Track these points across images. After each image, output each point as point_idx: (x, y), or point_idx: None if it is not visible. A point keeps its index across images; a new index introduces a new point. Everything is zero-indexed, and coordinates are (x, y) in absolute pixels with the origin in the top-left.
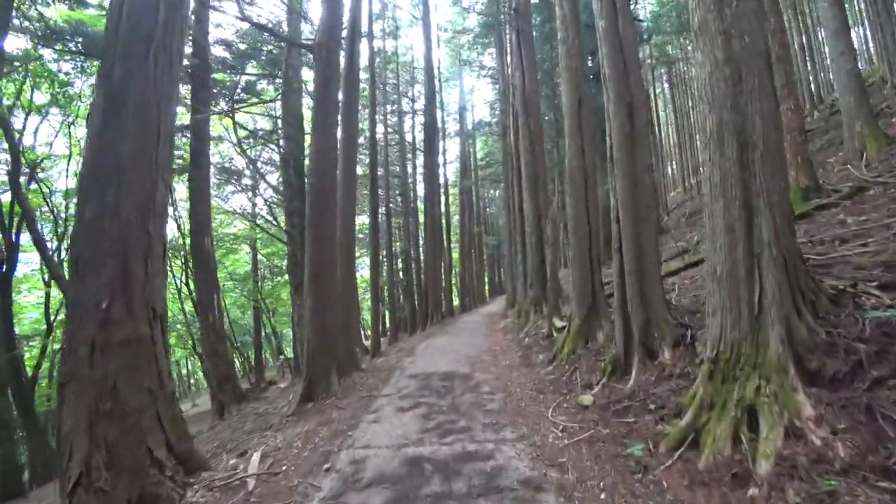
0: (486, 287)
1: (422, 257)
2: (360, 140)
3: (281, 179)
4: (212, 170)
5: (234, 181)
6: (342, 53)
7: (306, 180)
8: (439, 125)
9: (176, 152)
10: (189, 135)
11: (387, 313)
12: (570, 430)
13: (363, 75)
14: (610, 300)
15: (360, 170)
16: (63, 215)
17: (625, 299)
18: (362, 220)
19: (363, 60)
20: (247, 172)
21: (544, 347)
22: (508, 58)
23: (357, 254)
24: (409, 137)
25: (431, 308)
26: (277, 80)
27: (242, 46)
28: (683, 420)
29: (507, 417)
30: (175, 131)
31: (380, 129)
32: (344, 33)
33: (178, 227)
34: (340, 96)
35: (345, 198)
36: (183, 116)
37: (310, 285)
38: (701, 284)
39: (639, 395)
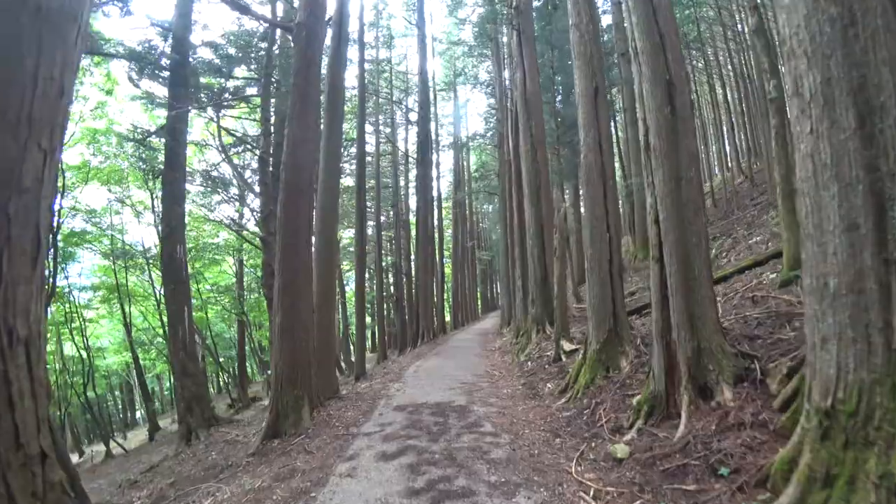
0: (479, 303)
1: (413, 272)
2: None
3: (257, 179)
4: (197, 178)
5: (220, 190)
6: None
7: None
8: (433, 136)
9: (153, 153)
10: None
11: (375, 329)
12: (607, 500)
13: (352, 82)
14: (631, 320)
15: (350, 181)
16: None
17: (667, 321)
18: (350, 233)
19: (353, 70)
20: (235, 182)
21: (552, 374)
22: (506, 69)
23: (346, 268)
24: (401, 147)
25: (423, 326)
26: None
27: (231, 50)
28: (784, 498)
29: (519, 473)
30: (66, 92)
31: (371, 138)
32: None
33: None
34: (324, 87)
35: (325, 194)
36: (160, 118)
37: (279, 299)
38: (740, 303)
39: (696, 449)
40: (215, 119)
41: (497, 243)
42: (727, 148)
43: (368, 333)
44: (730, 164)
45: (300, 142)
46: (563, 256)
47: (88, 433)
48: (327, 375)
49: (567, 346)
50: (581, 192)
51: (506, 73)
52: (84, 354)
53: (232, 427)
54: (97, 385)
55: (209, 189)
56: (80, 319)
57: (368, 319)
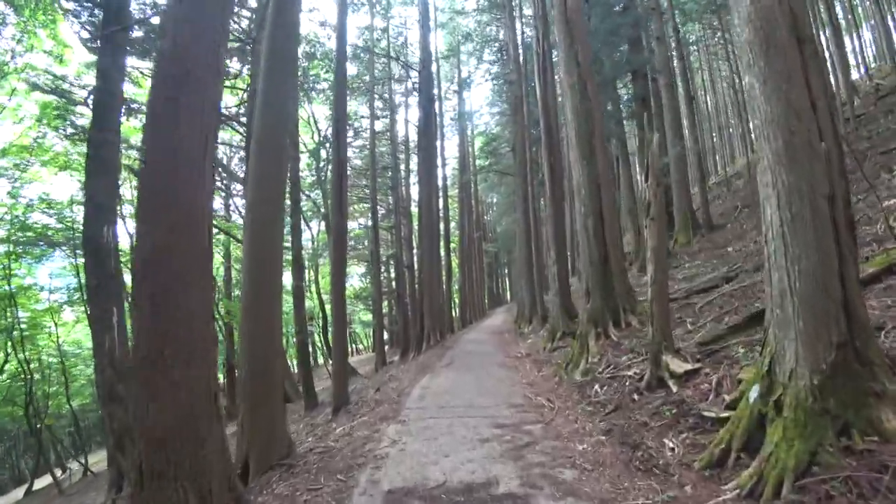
0: (486, 298)
1: (416, 264)
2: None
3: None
4: None
5: None
6: None
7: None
8: (437, 110)
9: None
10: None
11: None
12: None
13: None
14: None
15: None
16: None
17: None
18: (351, 225)
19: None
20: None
21: (661, 417)
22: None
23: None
24: (400, 131)
25: (428, 326)
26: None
27: None
28: None
29: None
30: None
31: (363, 110)
32: None
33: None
34: None
35: (261, 152)
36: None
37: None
38: None
39: None
40: None
41: (503, 235)
42: None
43: (365, 332)
44: None
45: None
46: (662, 216)
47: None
48: (265, 429)
49: (677, 364)
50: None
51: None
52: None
53: None
54: (81, 394)
55: None
56: (55, 323)
57: (369, 318)
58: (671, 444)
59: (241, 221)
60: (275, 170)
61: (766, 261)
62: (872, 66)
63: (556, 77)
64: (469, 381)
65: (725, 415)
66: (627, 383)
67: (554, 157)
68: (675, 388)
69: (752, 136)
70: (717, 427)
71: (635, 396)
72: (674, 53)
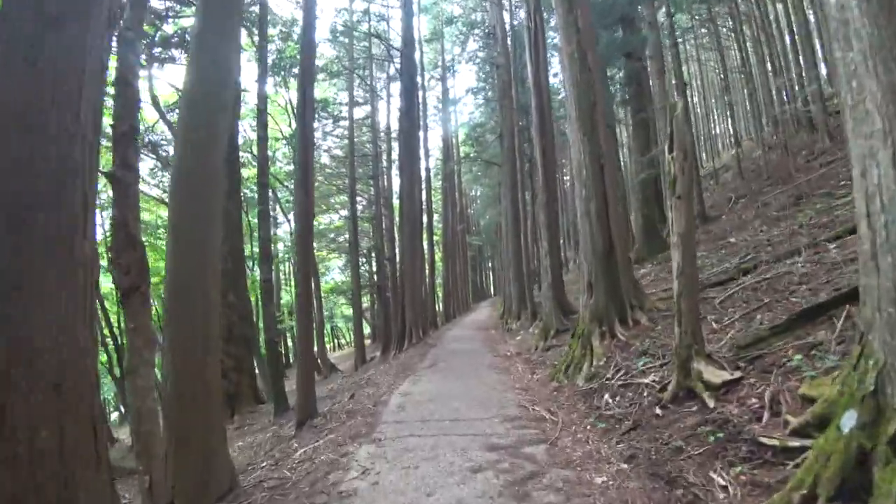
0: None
1: (397, 257)
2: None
3: None
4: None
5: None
6: None
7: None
8: (419, 97)
9: None
10: None
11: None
12: None
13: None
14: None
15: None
16: None
17: None
18: (329, 219)
19: None
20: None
21: (699, 442)
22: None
23: (325, 255)
24: (381, 121)
25: (410, 322)
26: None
27: None
28: None
29: None
30: None
31: (343, 97)
32: None
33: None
34: None
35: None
36: None
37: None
38: None
39: None
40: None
41: (487, 228)
42: None
43: (348, 327)
44: None
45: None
46: (690, 194)
47: None
48: (197, 463)
49: (712, 372)
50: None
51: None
52: None
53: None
54: None
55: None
56: None
57: (351, 312)
58: (721, 481)
59: None
60: (209, 133)
61: (864, 242)
62: None
63: (548, 56)
64: (455, 387)
65: (795, 443)
66: (645, 393)
67: (546, 140)
68: (710, 403)
69: (840, 75)
70: (782, 459)
71: (658, 411)
72: (667, 41)
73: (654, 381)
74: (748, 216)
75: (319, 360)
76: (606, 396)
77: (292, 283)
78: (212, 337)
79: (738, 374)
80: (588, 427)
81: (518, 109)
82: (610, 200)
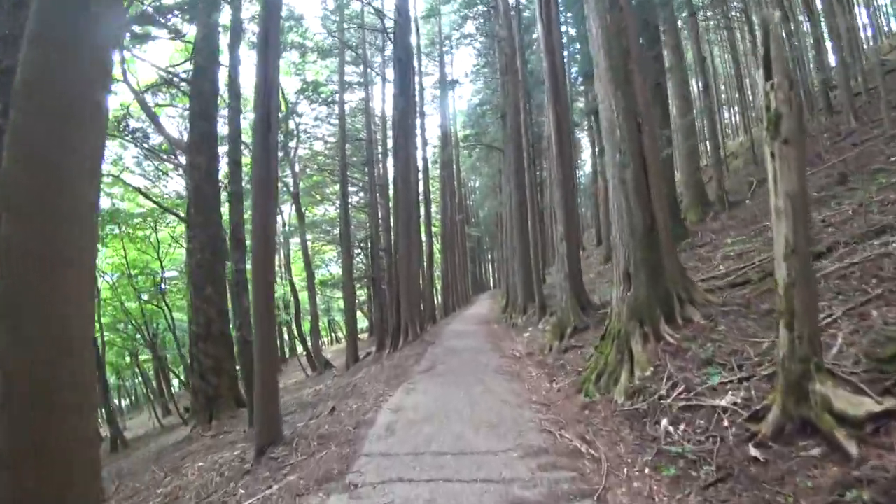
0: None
1: (393, 248)
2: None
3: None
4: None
5: (126, 135)
6: None
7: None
8: (414, 68)
9: None
10: None
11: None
12: None
13: None
14: None
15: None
16: None
17: None
18: (322, 210)
19: None
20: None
21: None
22: None
23: (322, 248)
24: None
25: (405, 317)
26: None
27: None
28: None
29: None
30: None
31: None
32: None
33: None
34: None
35: None
36: None
37: None
38: None
39: None
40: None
41: (486, 219)
42: None
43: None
44: None
45: None
46: (800, 135)
47: None
48: None
49: (846, 398)
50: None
51: None
52: None
53: None
54: None
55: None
56: None
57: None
58: None
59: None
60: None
61: None
62: None
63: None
64: (458, 400)
65: None
66: (725, 423)
67: (561, 108)
68: (851, 448)
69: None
70: None
71: (754, 452)
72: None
73: (735, 403)
74: None
75: (314, 357)
76: (664, 423)
77: (293, 275)
78: (80, 351)
79: (890, 402)
80: (647, 471)
81: (525, 81)
82: (650, 167)
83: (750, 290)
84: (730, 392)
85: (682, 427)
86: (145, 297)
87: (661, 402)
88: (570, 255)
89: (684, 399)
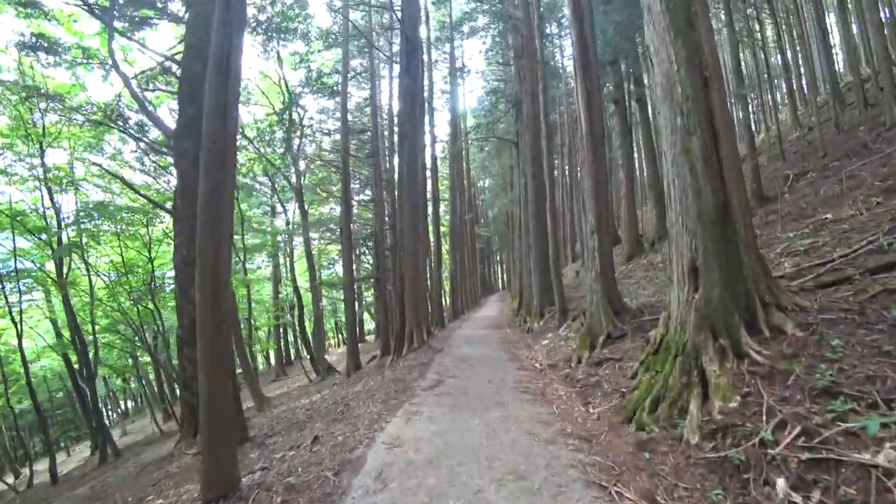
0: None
1: (397, 244)
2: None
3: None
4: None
5: (114, 123)
6: None
7: None
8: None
9: None
10: None
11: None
12: None
13: None
14: None
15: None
16: None
17: None
18: (325, 209)
19: None
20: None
21: None
22: None
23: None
24: (383, 102)
25: (410, 322)
26: None
27: None
28: None
29: None
30: None
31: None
32: None
33: None
34: None
35: None
36: None
37: None
38: None
39: None
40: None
41: (495, 219)
42: None
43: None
44: None
45: None
46: None
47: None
48: None
49: None
50: None
51: None
52: None
53: None
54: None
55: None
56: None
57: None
58: None
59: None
60: None
61: None
62: None
63: None
64: (471, 432)
65: None
66: (887, 493)
67: (591, 81)
68: None
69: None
70: None
71: None
72: None
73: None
74: (829, 192)
75: (316, 361)
76: (781, 485)
77: (294, 274)
78: None
79: None
80: None
81: (543, 62)
82: (721, 134)
83: (853, 292)
84: (888, 444)
85: (815, 496)
86: (137, 297)
87: (767, 449)
88: (601, 250)
89: (804, 445)
